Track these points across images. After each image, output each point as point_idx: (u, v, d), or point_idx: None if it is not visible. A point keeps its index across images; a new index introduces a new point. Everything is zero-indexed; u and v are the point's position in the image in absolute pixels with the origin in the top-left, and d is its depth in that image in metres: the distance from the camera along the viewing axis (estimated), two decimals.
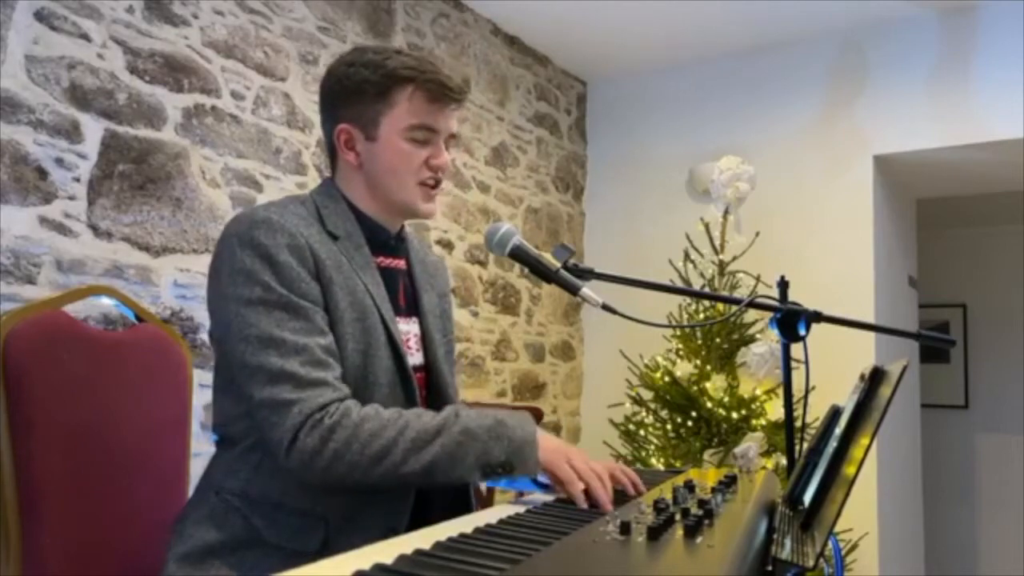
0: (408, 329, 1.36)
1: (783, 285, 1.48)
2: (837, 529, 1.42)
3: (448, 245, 3.31)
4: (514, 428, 1.17)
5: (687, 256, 3.21)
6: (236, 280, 1.17)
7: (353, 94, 1.28)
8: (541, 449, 1.17)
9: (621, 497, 1.18)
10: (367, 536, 0.90)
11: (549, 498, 1.18)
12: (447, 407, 1.20)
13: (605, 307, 1.29)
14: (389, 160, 1.29)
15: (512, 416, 1.19)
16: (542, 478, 1.21)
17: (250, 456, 1.21)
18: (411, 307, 1.39)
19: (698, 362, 3.04)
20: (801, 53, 3.67)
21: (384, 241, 1.35)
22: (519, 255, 1.33)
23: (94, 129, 2.10)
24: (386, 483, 1.14)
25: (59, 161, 2.02)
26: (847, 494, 0.84)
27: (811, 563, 0.78)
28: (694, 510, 0.93)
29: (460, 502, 1.31)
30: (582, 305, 4.09)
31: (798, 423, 1.57)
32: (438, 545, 0.81)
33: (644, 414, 3.14)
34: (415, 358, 1.35)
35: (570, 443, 3.95)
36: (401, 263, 1.39)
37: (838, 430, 1.05)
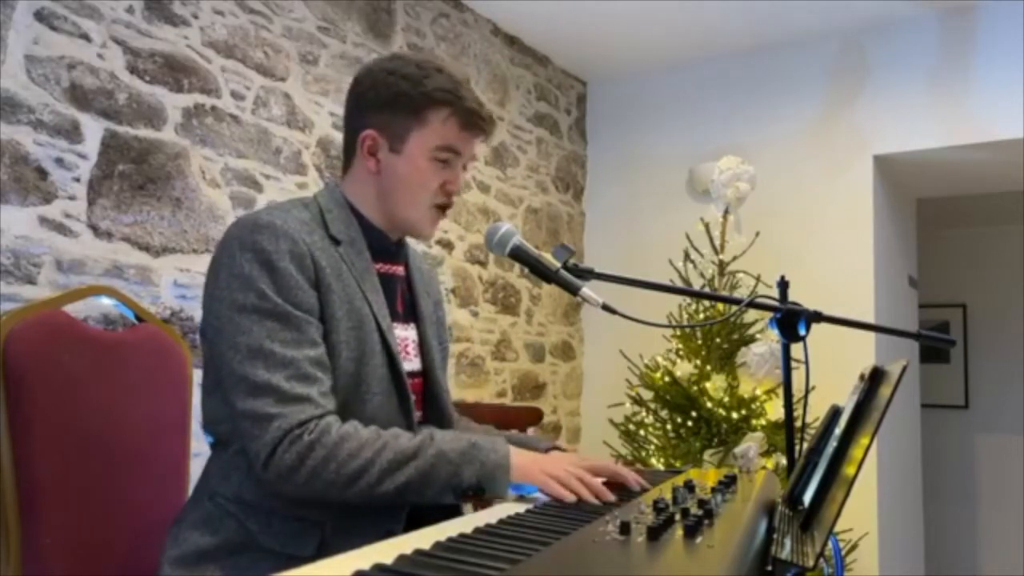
0: (406, 335, 1.36)
1: (783, 285, 1.48)
2: (837, 529, 1.42)
3: (448, 245, 3.31)
4: (487, 451, 1.18)
5: (687, 256, 3.20)
6: (232, 284, 1.17)
7: (386, 104, 1.28)
8: (514, 468, 1.18)
9: (622, 496, 1.19)
10: (363, 540, 0.90)
11: (548, 498, 1.18)
12: (423, 430, 1.21)
13: (605, 307, 1.29)
14: (408, 175, 1.29)
15: (486, 439, 1.21)
16: None
17: (242, 460, 1.21)
18: (409, 313, 1.39)
19: (698, 362, 3.03)
20: (801, 53, 3.67)
21: (385, 247, 1.35)
22: (519, 255, 1.33)
23: (94, 129, 2.10)
24: (360, 501, 1.15)
25: (59, 161, 2.02)
26: (847, 494, 0.84)
27: (811, 563, 0.78)
28: (694, 510, 0.93)
29: (451, 505, 1.32)
30: (582, 305, 4.09)
31: (798, 423, 1.57)
32: (438, 545, 0.81)
33: (644, 414, 3.13)
34: (412, 363, 1.35)
35: (570, 443, 3.95)
36: (400, 269, 1.40)
37: (838, 430, 1.05)
